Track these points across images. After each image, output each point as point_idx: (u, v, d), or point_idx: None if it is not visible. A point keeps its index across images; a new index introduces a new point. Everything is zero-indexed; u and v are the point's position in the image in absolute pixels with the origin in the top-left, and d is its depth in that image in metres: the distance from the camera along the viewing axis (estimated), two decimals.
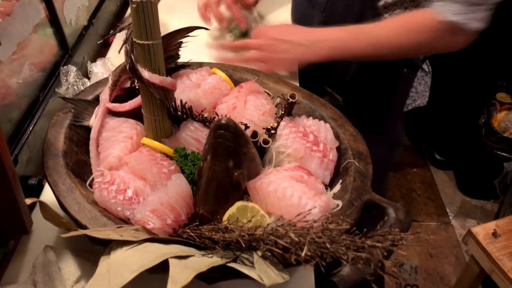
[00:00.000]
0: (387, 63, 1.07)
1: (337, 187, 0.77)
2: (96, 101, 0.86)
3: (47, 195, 0.79)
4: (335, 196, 0.75)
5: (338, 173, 0.81)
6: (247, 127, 0.80)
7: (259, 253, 0.61)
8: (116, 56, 1.12)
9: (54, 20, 0.98)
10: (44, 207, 0.67)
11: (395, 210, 0.68)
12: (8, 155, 0.66)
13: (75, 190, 0.71)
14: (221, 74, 0.95)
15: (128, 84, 0.89)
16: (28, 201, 0.71)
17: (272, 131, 0.82)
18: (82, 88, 0.97)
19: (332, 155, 0.81)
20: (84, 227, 0.66)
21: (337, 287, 0.56)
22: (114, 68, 0.87)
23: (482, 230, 1.39)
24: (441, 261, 2.06)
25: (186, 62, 0.98)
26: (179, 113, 0.83)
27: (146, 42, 0.72)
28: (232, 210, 0.70)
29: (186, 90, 0.89)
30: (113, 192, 0.71)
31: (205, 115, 0.83)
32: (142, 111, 0.80)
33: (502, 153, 2.03)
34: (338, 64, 1.13)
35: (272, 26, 1.10)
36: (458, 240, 2.13)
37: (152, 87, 0.75)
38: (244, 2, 1.23)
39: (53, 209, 0.68)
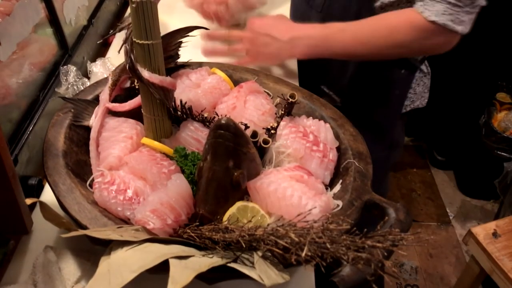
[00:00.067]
0: (384, 65, 1.07)
1: (337, 187, 0.77)
2: (96, 101, 0.86)
3: (47, 195, 0.79)
4: (335, 196, 0.75)
5: (338, 173, 0.81)
6: (247, 127, 0.80)
7: (260, 253, 0.61)
8: (116, 56, 1.12)
9: (54, 20, 0.98)
10: (44, 207, 0.67)
11: (395, 210, 0.68)
12: (8, 155, 0.66)
13: (75, 190, 0.71)
14: (221, 74, 0.95)
15: (128, 84, 0.89)
16: (28, 201, 0.71)
17: (272, 131, 0.82)
18: (82, 88, 0.97)
19: (332, 155, 0.81)
20: (84, 227, 0.66)
21: (338, 287, 0.56)
22: (114, 68, 0.87)
23: (482, 230, 1.39)
24: (441, 261, 2.06)
25: (186, 62, 0.98)
26: (179, 113, 0.82)
27: (146, 42, 0.72)
28: (232, 210, 0.70)
29: (186, 90, 0.89)
30: (113, 192, 0.71)
31: (205, 115, 0.83)
32: (142, 111, 0.80)
33: (502, 153, 2.03)
34: (336, 65, 1.13)
35: (263, 18, 1.09)
36: (458, 240, 2.13)
37: (152, 87, 0.75)
38: (247, 3, 1.23)
39: (53, 209, 0.68)
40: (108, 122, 0.82)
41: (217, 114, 0.86)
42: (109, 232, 0.62)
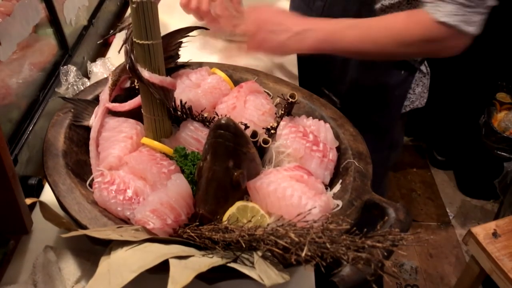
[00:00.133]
0: (384, 67, 1.06)
1: (337, 187, 0.77)
2: (96, 101, 0.86)
3: (47, 195, 0.79)
4: (335, 196, 0.75)
5: (338, 173, 0.81)
6: (247, 127, 0.80)
7: (259, 253, 0.61)
8: (116, 56, 1.12)
9: (54, 20, 0.99)
10: (44, 207, 0.67)
11: (395, 210, 0.68)
12: (8, 155, 0.66)
13: (75, 190, 0.71)
14: (221, 74, 0.95)
15: (128, 84, 0.89)
16: (28, 201, 0.71)
17: (272, 131, 0.82)
18: (82, 88, 0.97)
19: (332, 155, 0.81)
20: (84, 227, 0.66)
21: (337, 287, 0.56)
22: (114, 68, 0.87)
23: (482, 230, 1.39)
24: (441, 261, 2.06)
25: (186, 62, 0.98)
26: (179, 113, 0.82)
27: (146, 42, 0.72)
28: (232, 210, 0.70)
29: (186, 90, 0.89)
30: (113, 192, 0.71)
31: (205, 115, 0.83)
32: (142, 111, 0.80)
33: (502, 153, 2.03)
34: (336, 66, 1.13)
35: (265, 7, 1.03)
36: (458, 240, 2.13)
37: (152, 87, 0.75)
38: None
39: (53, 209, 0.68)
40: (108, 122, 0.82)
41: (217, 114, 0.86)
42: (109, 232, 0.62)
